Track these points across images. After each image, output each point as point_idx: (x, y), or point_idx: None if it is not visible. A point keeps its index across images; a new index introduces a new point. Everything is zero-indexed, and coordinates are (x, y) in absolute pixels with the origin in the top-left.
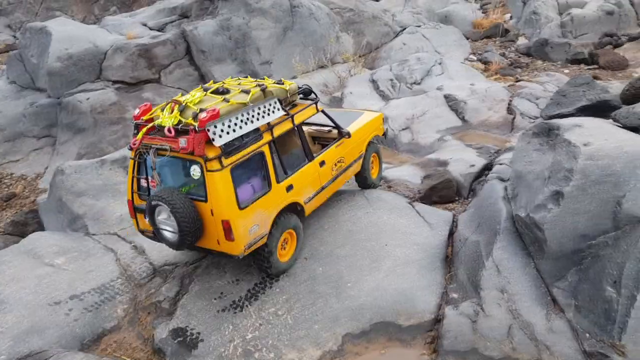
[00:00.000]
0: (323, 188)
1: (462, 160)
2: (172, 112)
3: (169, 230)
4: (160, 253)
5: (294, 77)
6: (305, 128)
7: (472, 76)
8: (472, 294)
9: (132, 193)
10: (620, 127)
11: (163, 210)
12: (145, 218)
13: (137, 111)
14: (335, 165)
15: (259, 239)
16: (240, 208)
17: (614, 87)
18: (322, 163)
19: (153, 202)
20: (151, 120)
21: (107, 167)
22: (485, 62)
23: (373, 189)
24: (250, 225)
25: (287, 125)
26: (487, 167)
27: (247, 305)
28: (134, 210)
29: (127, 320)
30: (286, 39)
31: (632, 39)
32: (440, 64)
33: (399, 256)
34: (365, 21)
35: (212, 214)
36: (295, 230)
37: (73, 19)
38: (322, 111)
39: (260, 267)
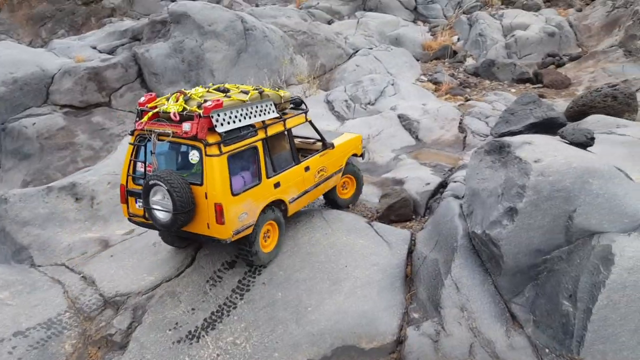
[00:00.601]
0: (306, 192)
1: (417, 179)
2: (177, 101)
3: (162, 210)
4: (111, 283)
5: None
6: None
7: (423, 96)
8: (433, 313)
9: (127, 177)
10: (567, 143)
11: (159, 191)
12: (136, 204)
13: (142, 99)
14: (318, 172)
15: (246, 228)
16: (233, 194)
17: (559, 105)
18: (307, 168)
19: (151, 182)
20: (155, 107)
21: (54, 195)
22: (436, 83)
23: (342, 207)
24: (240, 212)
25: (279, 128)
26: (442, 185)
27: (203, 335)
28: (126, 194)
29: (76, 357)
30: (240, 61)
31: (572, 58)
32: (393, 84)
33: (359, 277)
34: (319, 44)
35: (206, 197)
36: (277, 222)
37: (19, 43)
38: (310, 122)
39: (245, 258)
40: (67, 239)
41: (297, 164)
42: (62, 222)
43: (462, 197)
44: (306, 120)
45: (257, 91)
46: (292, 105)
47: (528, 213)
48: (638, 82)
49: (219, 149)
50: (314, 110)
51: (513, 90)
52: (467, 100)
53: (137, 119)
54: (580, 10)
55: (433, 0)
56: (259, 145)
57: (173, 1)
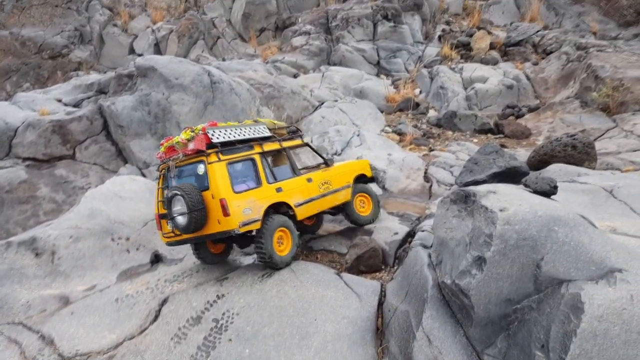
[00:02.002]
0: (313, 199)
1: (386, 228)
2: (186, 133)
3: (182, 215)
4: (70, 342)
5: None
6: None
7: (389, 147)
8: None
9: (158, 203)
10: (531, 192)
11: (177, 201)
12: (168, 224)
13: (163, 140)
14: (322, 184)
15: (252, 222)
16: (235, 192)
17: (520, 154)
18: (309, 179)
19: (170, 194)
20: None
21: (13, 250)
22: (400, 134)
23: (362, 225)
24: (243, 206)
25: (275, 145)
26: (410, 234)
27: None
28: (160, 218)
29: None
30: (207, 113)
31: (531, 110)
32: (358, 135)
33: (329, 331)
34: (285, 96)
35: (213, 197)
36: (288, 228)
37: None
38: (307, 144)
39: (263, 260)
40: (26, 296)
41: (297, 176)
42: (20, 278)
43: (431, 246)
44: (302, 142)
45: (252, 120)
46: (290, 133)
47: (496, 262)
48: (595, 131)
49: (218, 156)
50: None
51: (475, 140)
52: (431, 150)
53: (159, 155)
54: (536, 63)
55: (395, 54)
56: (257, 157)
57: (140, 55)
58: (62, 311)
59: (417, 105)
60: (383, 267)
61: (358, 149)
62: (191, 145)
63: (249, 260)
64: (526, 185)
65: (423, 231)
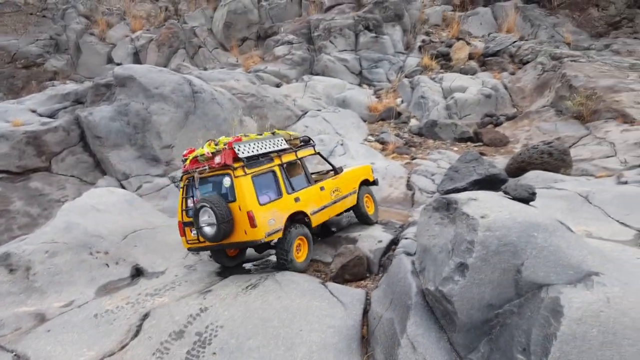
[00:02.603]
0: (325, 207)
1: (370, 237)
2: (209, 146)
3: (209, 225)
4: None
5: None
6: (314, 175)
7: (372, 155)
8: None
9: (182, 212)
10: (510, 198)
11: (205, 212)
12: (192, 232)
13: (185, 151)
14: (333, 192)
15: (275, 231)
16: (260, 204)
17: (499, 162)
18: (322, 188)
19: (198, 205)
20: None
21: None
22: (383, 142)
23: (371, 225)
24: (268, 217)
25: (291, 156)
26: (394, 242)
27: None
28: (183, 226)
29: None
30: (188, 123)
31: (509, 118)
32: (342, 144)
33: (314, 341)
34: (268, 105)
35: (240, 209)
36: (306, 237)
37: None
38: (319, 153)
39: (283, 264)
40: None
41: (311, 185)
42: None
43: (414, 253)
44: (314, 152)
45: (270, 133)
46: (302, 143)
47: (478, 268)
48: (570, 139)
49: (244, 171)
50: None
51: (455, 148)
52: (412, 158)
53: (184, 166)
54: (513, 73)
55: (377, 64)
56: (277, 169)
57: (118, 64)
58: (38, 329)
59: (399, 114)
60: (368, 275)
61: (342, 158)
62: (217, 159)
63: (232, 271)
64: (506, 193)
65: (406, 239)
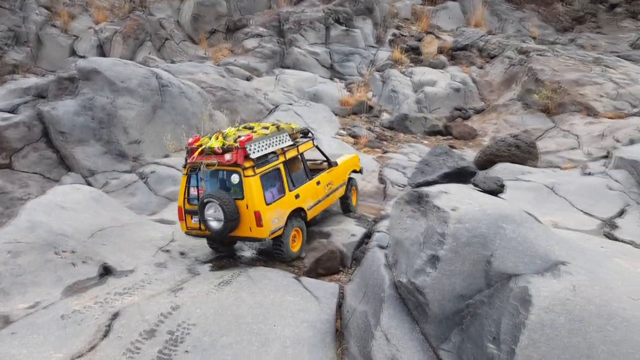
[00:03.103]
0: (319, 201)
1: (343, 230)
2: (217, 139)
3: (216, 220)
4: None
5: (167, 156)
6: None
7: (344, 149)
8: None
9: (184, 200)
10: (480, 191)
11: (212, 206)
12: (192, 219)
13: (190, 139)
14: (327, 185)
15: (277, 229)
16: (267, 204)
17: (468, 154)
18: (318, 182)
19: (205, 200)
20: (200, 146)
21: None
22: (355, 136)
23: (352, 213)
24: (273, 217)
25: (294, 152)
26: (367, 236)
27: None
28: (184, 213)
29: None
30: (156, 117)
31: (477, 111)
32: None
33: (288, 336)
34: (238, 99)
35: (247, 208)
36: (301, 229)
37: None
38: (317, 147)
39: (279, 255)
40: None
41: (310, 180)
42: None
43: (387, 246)
44: (313, 145)
45: (275, 126)
46: (301, 135)
47: (449, 260)
48: (537, 131)
49: (253, 171)
50: None
51: (426, 142)
52: (384, 152)
53: (187, 156)
54: (481, 67)
55: (348, 58)
56: (281, 166)
57: (82, 57)
58: (2, 331)
59: (371, 108)
60: (341, 269)
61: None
62: (228, 157)
63: (205, 268)
64: (475, 185)
65: (379, 232)
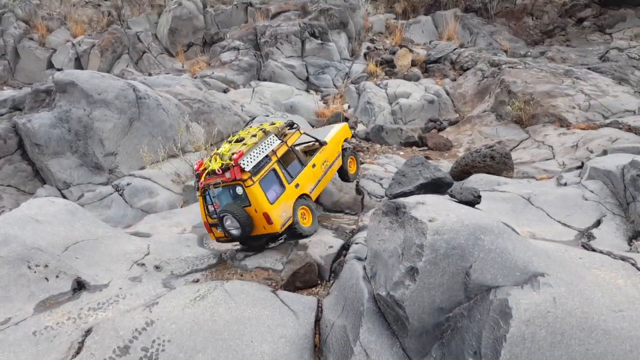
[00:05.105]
0: (319, 181)
1: (320, 242)
2: (216, 160)
3: (234, 228)
4: None
5: (143, 168)
6: (299, 147)
7: None
8: None
9: (206, 216)
10: (457, 202)
11: (228, 218)
12: (217, 230)
13: (196, 165)
14: (323, 164)
15: (288, 220)
16: (271, 203)
17: (443, 165)
18: (313, 165)
19: (221, 214)
20: (204, 169)
21: None
22: None
23: (351, 182)
24: (280, 212)
25: (284, 148)
26: (345, 247)
27: None
28: (210, 227)
29: None
30: (132, 129)
31: (452, 123)
32: None
33: (266, 352)
34: (215, 111)
35: (256, 212)
36: (308, 207)
37: None
38: (304, 133)
39: (294, 232)
40: None
41: (304, 166)
42: None
43: (365, 258)
44: (300, 134)
45: (262, 131)
46: (288, 127)
47: (428, 272)
48: (511, 142)
49: (252, 180)
50: None
51: (402, 153)
52: (361, 163)
53: (197, 180)
54: (454, 79)
55: (323, 70)
56: (276, 166)
57: (59, 70)
58: None
59: (346, 119)
60: (319, 282)
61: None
62: (228, 175)
63: (180, 282)
64: (452, 196)
65: (357, 244)
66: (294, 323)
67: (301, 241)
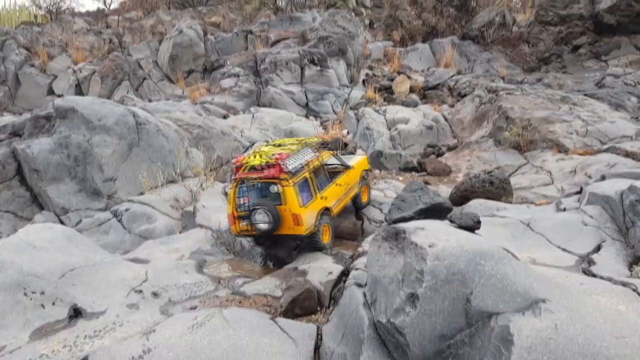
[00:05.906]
0: (340, 199)
1: (320, 268)
2: (256, 157)
3: (263, 223)
4: None
5: (142, 193)
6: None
7: None
8: None
9: (233, 208)
10: (456, 227)
11: (260, 212)
12: (242, 223)
13: (234, 159)
14: (345, 185)
15: (312, 227)
16: (301, 207)
17: (443, 190)
18: (338, 184)
19: (253, 208)
20: (244, 163)
21: None
22: None
23: (362, 209)
24: (307, 217)
25: (317, 162)
26: (345, 273)
27: None
28: (235, 219)
29: None
30: (132, 155)
31: (450, 148)
32: None
33: None
34: (215, 137)
35: (286, 211)
36: (329, 225)
37: None
38: (335, 155)
39: (315, 245)
40: None
41: (331, 183)
42: None
43: (365, 285)
44: (332, 154)
45: (302, 143)
46: (322, 146)
47: (429, 298)
48: (509, 168)
49: (289, 181)
50: (212, 202)
51: (401, 178)
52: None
53: (233, 173)
54: (452, 105)
55: (322, 97)
56: (309, 175)
57: (59, 96)
58: None
59: (346, 145)
60: (319, 308)
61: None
62: (266, 172)
63: (178, 309)
64: (451, 221)
65: (357, 269)
66: (294, 351)
67: (300, 267)
